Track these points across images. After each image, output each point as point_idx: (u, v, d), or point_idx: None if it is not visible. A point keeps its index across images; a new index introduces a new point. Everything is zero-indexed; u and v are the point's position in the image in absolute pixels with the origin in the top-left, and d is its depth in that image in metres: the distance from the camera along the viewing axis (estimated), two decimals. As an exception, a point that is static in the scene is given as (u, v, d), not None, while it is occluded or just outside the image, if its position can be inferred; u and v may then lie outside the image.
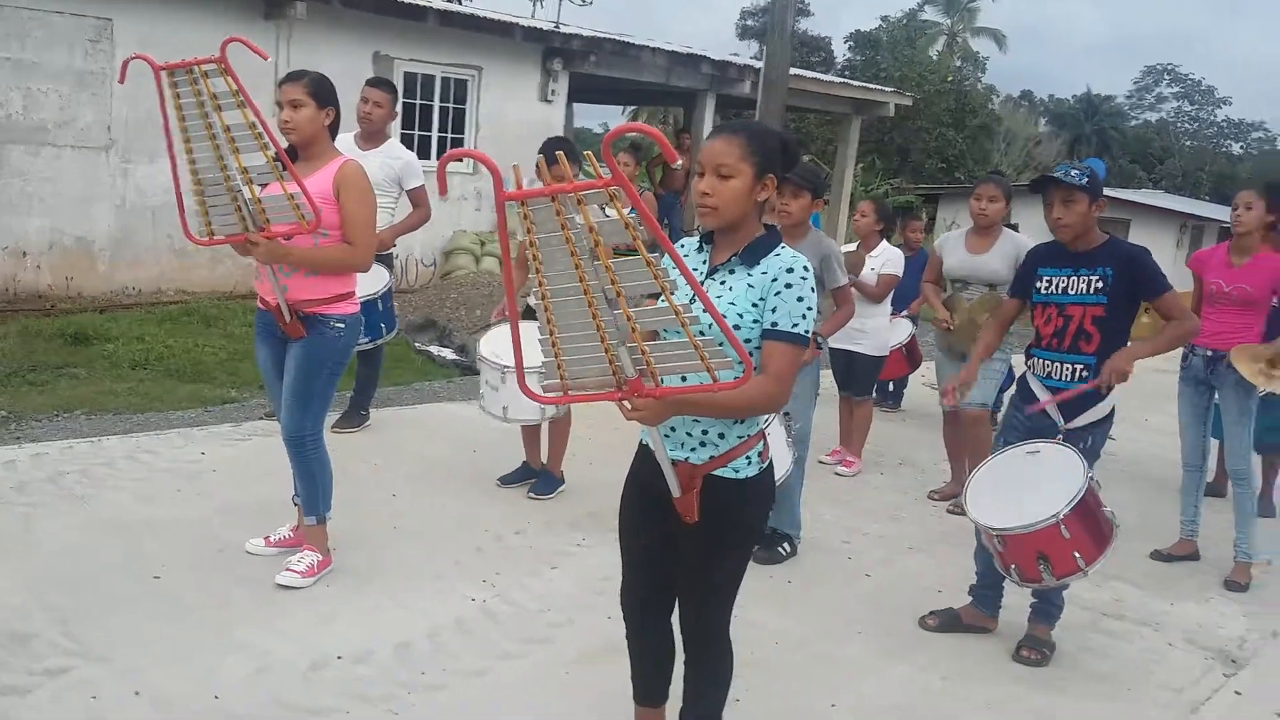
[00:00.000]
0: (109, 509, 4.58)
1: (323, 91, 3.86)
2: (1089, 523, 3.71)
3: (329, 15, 10.54)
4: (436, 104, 11.97)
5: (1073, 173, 3.87)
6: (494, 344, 5.18)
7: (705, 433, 2.58)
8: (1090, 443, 3.94)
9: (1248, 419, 5.05)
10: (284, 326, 3.86)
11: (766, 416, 2.90)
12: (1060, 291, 3.98)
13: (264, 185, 3.69)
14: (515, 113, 12.40)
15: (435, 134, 12.01)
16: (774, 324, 2.51)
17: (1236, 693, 3.89)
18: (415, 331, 9.30)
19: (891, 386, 8.45)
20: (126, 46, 9.31)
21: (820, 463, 6.33)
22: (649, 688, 2.98)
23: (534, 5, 16.62)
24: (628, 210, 2.14)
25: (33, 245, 9.37)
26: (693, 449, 2.59)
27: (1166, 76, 51.06)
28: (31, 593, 3.73)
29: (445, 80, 11.97)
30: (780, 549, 4.82)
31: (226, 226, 3.72)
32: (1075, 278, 3.94)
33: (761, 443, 2.67)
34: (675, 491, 2.57)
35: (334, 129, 3.96)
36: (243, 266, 10.12)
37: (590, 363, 2.35)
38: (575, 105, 19.04)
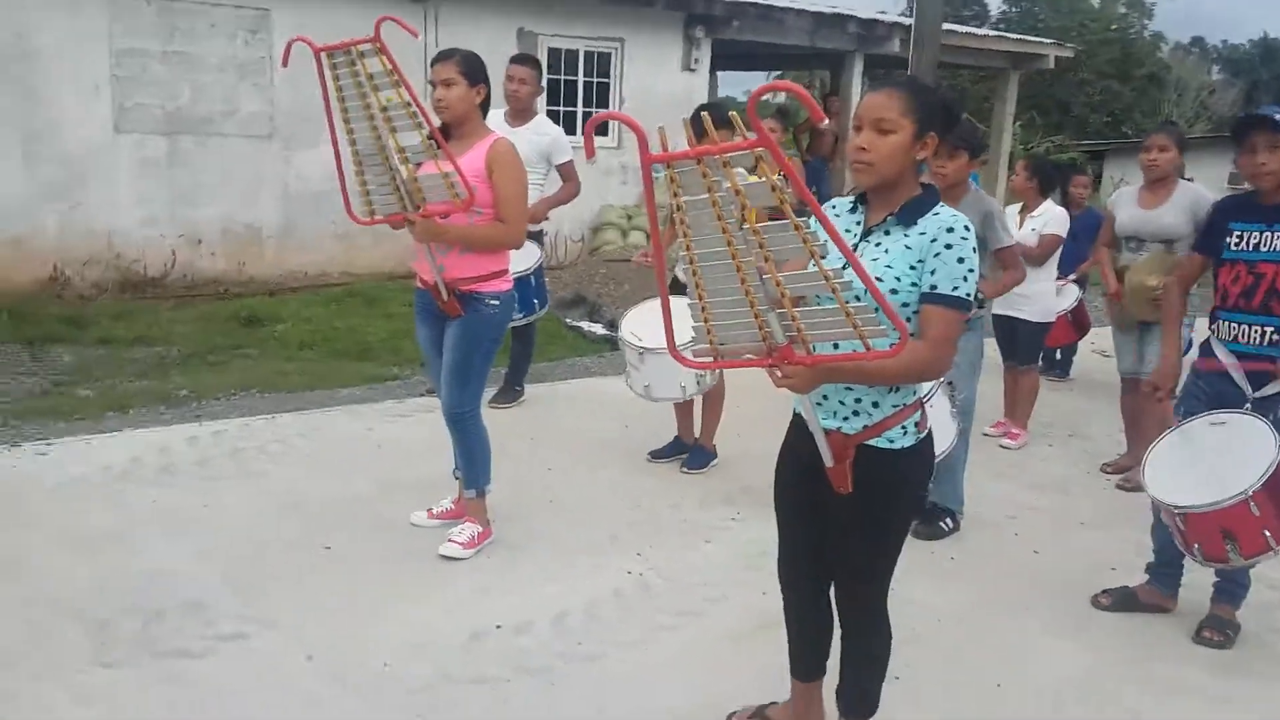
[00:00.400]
0: (283, 483, 4.80)
1: (474, 69, 3.90)
2: (1281, 498, 3.45)
3: (476, -6, 10.72)
4: (581, 78, 12.03)
5: (1279, 115, 3.56)
6: (634, 324, 5.17)
7: (859, 401, 2.51)
8: (1281, 413, 3.66)
9: None
10: (442, 305, 3.94)
11: (926, 385, 2.80)
12: (1252, 248, 3.67)
13: (419, 164, 3.76)
14: (659, 83, 12.35)
15: (580, 108, 12.09)
16: (933, 287, 2.40)
17: None
18: (566, 308, 9.41)
19: (1059, 354, 8.07)
20: (284, 35, 9.64)
21: (984, 435, 6.10)
22: (805, 662, 2.94)
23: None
24: (775, 174, 2.08)
25: (206, 233, 9.87)
26: (845, 418, 2.52)
27: (1356, 14, 47.23)
28: (210, 562, 3.94)
29: (589, 54, 12.02)
30: (942, 524, 4.67)
31: (386, 206, 3.81)
32: (1270, 233, 3.63)
33: (919, 412, 2.57)
34: (828, 461, 2.51)
35: (485, 106, 4.00)
36: (402, 247, 10.39)
37: (740, 328, 2.31)
38: (719, 74, 18.86)
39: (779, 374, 2.32)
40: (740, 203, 2.13)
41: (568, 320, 9.06)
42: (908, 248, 2.43)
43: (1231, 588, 3.83)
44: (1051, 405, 6.91)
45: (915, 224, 2.45)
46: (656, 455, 5.48)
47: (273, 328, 8.14)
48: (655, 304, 5.17)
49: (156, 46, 9.43)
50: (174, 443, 5.26)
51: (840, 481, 2.51)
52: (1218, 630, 3.77)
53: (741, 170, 2.12)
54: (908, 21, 13.81)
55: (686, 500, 4.89)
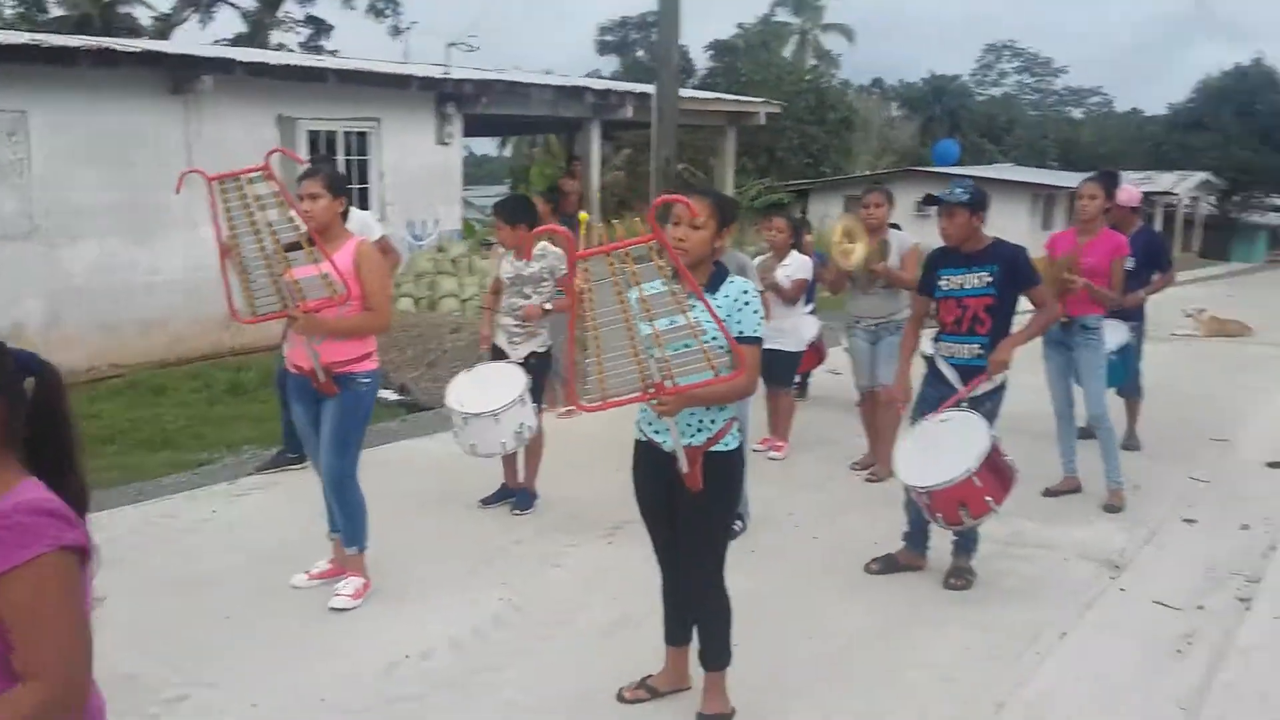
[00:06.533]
0: (153, 570, 5.07)
1: (336, 184, 4.53)
2: (995, 472, 4.62)
3: (233, 84, 11.03)
4: (341, 157, 12.50)
5: (957, 190, 4.79)
6: (456, 391, 5.70)
7: (700, 420, 3.45)
8: (989, 406, 4.86)
9: (1100, 371, 6.10)
10: (319, 386, 4.52)
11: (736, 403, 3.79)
12: (959, 287, 4.90)
13: (296, 268, 4.36)
14: (415, 158, 13.04)
15: (342, 185, 12.52)
16: (741, 332, 3.40)
17: (1121, 589, 4.88)
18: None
19: (798, 379, 9.38)
20: (42, 134, 9.71)
21: (753, 451, 7.15)
22: (676, 631, 3.82)
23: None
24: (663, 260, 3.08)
25: (-30, 337, 9.62)
26: (694, 434, 3.44)
27: (1006, 52, 53.38)
28: (124, 646, 4.24)
29: (348, 134, 12.52)
30: (734, 526, 5.59)
31: (267, 305, 4.39)
32: (969, 274, 4.87)
33: (737, 423, 3.55)
34: (685, 468, 3.40)
35: (344, 214, 4.64)
36: (172, 336, 10.60)
37: (625, 374, 3.24)
38: (468, 139, 19.66)
39: (656, 403, 3.24)
40: (633, 281, 3.14)
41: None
42: (719, 307, 3.38)
43: (965, 543, 5.00)
44: (799, 420, 8.10)
45: (719, 290, 3.43)
46: (487, 502, 6.14)
47: (68, 427, 8.11)
48: (472, 372, 5.86)
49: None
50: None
51: (694, 482, 3.42)
52: (959, 576, 4.92)
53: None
54: (639, 89, 15.15)
55: (526, 535, 5.62)
